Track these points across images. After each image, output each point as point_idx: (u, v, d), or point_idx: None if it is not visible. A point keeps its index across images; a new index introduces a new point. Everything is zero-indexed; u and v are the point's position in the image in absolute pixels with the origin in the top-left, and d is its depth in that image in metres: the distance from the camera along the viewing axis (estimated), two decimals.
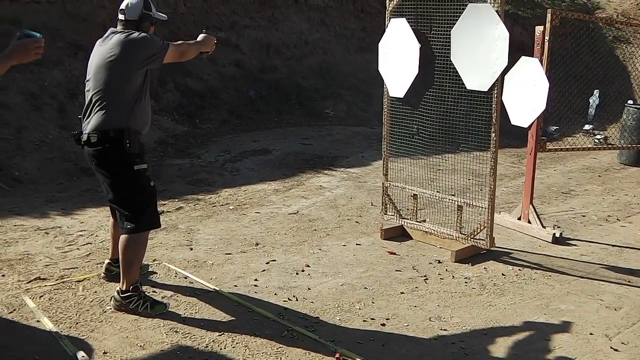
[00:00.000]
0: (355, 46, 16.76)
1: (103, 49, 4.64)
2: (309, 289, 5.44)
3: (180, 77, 12.59)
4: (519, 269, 6.06)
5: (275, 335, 4.55)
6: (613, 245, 6.99)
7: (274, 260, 6.07)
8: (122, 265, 4.76)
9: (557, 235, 6.93)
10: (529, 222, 7.18)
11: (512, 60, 6.08)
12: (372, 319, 4.90)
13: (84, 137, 4.65)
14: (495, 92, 5.93)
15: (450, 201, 6.67)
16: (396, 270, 5.95)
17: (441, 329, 4.77)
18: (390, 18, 6.77)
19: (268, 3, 15.38)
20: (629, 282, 5.91)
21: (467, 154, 6.68)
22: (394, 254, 6.41)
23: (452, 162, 6.99)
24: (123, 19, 4.76)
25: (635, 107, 12.37)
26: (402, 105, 6.80)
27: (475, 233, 6.31)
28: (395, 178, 7.11)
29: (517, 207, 7.53)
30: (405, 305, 5.17)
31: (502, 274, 5.92)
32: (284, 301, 5.15)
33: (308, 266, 5.98)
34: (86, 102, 4.70)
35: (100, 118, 4.57)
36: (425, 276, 5.83)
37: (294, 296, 5.25)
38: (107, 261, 5.41)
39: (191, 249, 6.25)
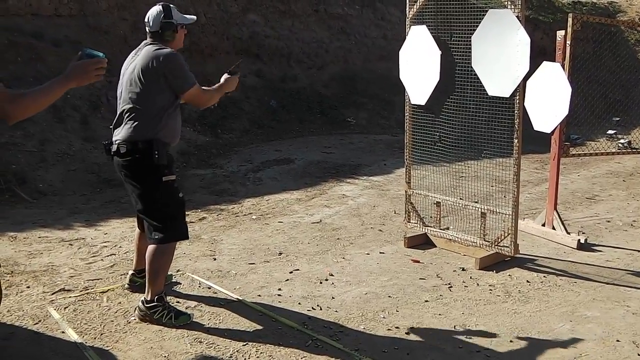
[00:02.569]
0: (376, 54, 16.76)
1: (134, 63, 4.71)
2: (333, 298, 5.43)
3: None
4: (544, 276, 6.01)
5: (299, 344, 4.54)
6: (639, 251, 6.91)
7: (298, 270, 6.07)
8: (148, 274, 4.78)
9: (582, 241, 6.87)
10: (553, 228, 7.12)
11: (534, 65, 6.05)
12: (397, 327, 4.88)
13: (114, 148, 4.69)
14: (517, 97, 5.90)
15: (474, 208, 6.64)
16: (420, 279, 5.92)
17: (466, 337, 4.74)
18: (410, 25, 6.75)
19: (288, 12, 15.44)
20: None
21: (490, 161, 6.64)
22: (418, 262, 6.38)
23: (475, 168, 6.95)
24: (148, 30, 4.84)
25: None
26: (423, 112, 6.78)
27: (500, 240, 6.27)
28: (418, 186, 7.09)
29: (541, 213, 7.47)
30: (430, 314, 5.15)
31: (527, 281, 5.87)
32: (307, 310, 5.14)
33: (332, 275, 5.96)
34: (117, 113, 4.77)
35: (130, 129, 4.62)
36: (449, 284, 5.80)
37: (317, 305, 5.24)
38: (131, 272, 5.43)
39: (215, 259, 6.26)
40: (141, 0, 11.88)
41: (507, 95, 5.94)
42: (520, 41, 5.75)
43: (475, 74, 6.15)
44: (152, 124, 4.61)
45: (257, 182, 9.58)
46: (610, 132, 14.76)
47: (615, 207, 8.87)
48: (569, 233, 7.04)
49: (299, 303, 5.29)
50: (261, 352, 4.41)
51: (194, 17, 5.08)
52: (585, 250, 6.80)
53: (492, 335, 4.77)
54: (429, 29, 6.52)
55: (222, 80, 5.14)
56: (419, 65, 6.63)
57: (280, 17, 15.29)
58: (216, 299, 5.32)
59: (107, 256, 6.33)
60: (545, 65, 6.42)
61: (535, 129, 6.57)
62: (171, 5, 4.89)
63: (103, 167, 9.42)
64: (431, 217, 7.05)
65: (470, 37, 6.13)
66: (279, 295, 5.45)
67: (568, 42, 6.85)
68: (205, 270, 5.98)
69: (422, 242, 6.88)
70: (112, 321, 4.85)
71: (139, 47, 4.83)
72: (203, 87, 4.91)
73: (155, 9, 4.82)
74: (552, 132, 6.83)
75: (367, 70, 16.27)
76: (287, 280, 5.81)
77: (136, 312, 4.87)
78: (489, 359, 4.43)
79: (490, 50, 6.00)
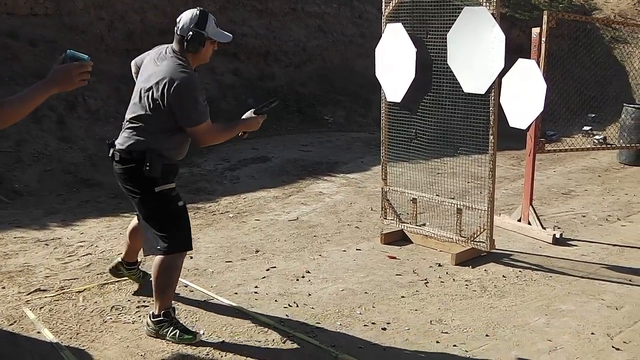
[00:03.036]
0: (354, 52, 16.76)
1: (153, 72, 4.35)
2: (310, 295, 5.44)
3: None
4: (520, 271, 6.06)
5: (276, 341, 4.55)
6: (614, 245, 6.98)
7: (274, 267, 6.07)
8: (155, 289, 4.56)
9: (558, 236, 6.93)
10: (529, 223, 7.18)
11: (510, 62, 6.09)
12: (373, 323, 4.90)
13: (111, 152, 4.47)
14: (493, 94, 5.94)
15: (450, 204, 6.67)
16: (396, 275, 5.95)
17: (442, 332, 4.77)
18: (386, 23, 6.77)
19: (265, 11, 15.41)
20: (630, 281, 5.91)
21: (466, 157, 6.68)
22: (394, 258, 6.41)
23: (451, 165, 7.00)
24: (176, 32, 4.40)
25: (634, 107, 12.38)
26: (399, 110, 6.80)
27: (475, 236, 6.31)
28: (394, 183, 7.12)
29: (517, 208, 7.52)
30: (406, 309, 5.17)
31: (503, 276, 5.91)
32: (284, 308, 5.15)
33: (308, 272, 5.97)
34: (127, 111, 4.49)
35: (128, 138, 4.37)
36: (425, 280, 5.83)
37: (294, 302, 5.25)
38: (118, 259, 5.36)
39: (191, 258, 6.24)
40: None
41: (483, 92, 5.97)
42: (496, 38, 5.79)
43: (451, 71, 6.18)
44: (151, 138, 4.32)
45: (234, 181, 9.56)
46: (586, 128, 14.87)
47: (590, 202, 8.95)
48: (544, 228, 7.09)
49: (276, 300, 5.29)
50: (238, 350, 4.41)
51: (230, 35, 4.60)
52: (561, 245, 6.87)
53: (468, 330, 4.81)
54: (405, 27, 6.54)
55: (245, 116, 4.64)
56: (394, 62, 6.65)
57: (258, 16, 15.26)
58: (192, 297, 5.31)
59: (83, 256, 6.29)
60: (521, 62, 6.46)
61: (510, 125, 6.61)
62: (210, 14, 4.44)
63: (79, 167, 9.38)
64: (408, 213, 7.08)
65: (446, 35, 6.16)
66: (255, 292, 5.45)
67: (543, 39, 6.90)
68: (182, 269, 5.96)
69: (398, 239, 6.90)
70: (88, 321, 4.82)
71: (165, 51, 4.44)
72: (216, 125, 4.49)
73: (190, 13, 4.37)
74: (528, 128, 6.87)
75: (345, 68, 16.28)
76: (264, 277, 5.81)
77: (145, 328, 4.63)
78: (465, 353, 4.46)
79: (465, 47, 6.03)
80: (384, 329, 4.81)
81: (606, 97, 16.63)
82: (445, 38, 6.17)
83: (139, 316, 4.91)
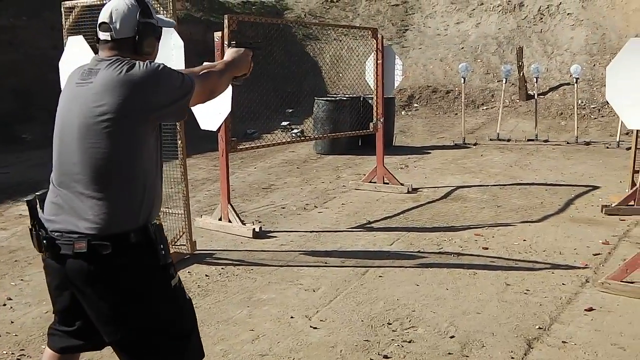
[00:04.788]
0: (49, 66, 16.15)
1: (85, 95, 2.86)
2: (12, 322, 5.22)
3: None
4: (222, 268, 6.24)
5: None
6: (311, 232, 7.44)
7: None
8: None
9: (257, 229, 7.22)
10: (230, 221, 7.41)
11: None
12: None
13: (74, 247, 2.78)
14: None
15: None
16: None
17: None
18: (68, 36, 6.67)
19: None
20: (326, 263, 6.34)
21: (166, 163, 6.74)
22: None
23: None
24: (109, 38, 2.97)
25: (324, 100, 13.23)
26: None
27: (176, 239, 6.42)
28: None
29: (217, 208, 7.73)
30: None
31: (206, 275, 6.06)
32: None
33: (10, 299, 5.72)
34: (60, 180, 2.94)
35: (104, 212, 2.79)
36: None
37: None
38: None
39: None
40: None
41: None
42: (175, 45, 5.93)
43: None
44: (138, 196, 2.88)
45: None
46: (284, 123, 15.58)
47: (290, 194, 9.44)
48: (244, 224, 7.36)
49: None
50: None
51: (173, 21, 3.61)
52: (261, 238, 7.17)
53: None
54: (86, 39, 6.48)
55: (226, 56, 3.52)
56: None
57: None
58: None
59: None
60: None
61: (202, 128, 6.81)
62: None
63: None
64: None
65: None
66: None
67: (226, 42, 7.14)
68: None
69: None
70: None
71: (88, 68, 2.96)
72: (199, 73, 3.22)
73: (121, 3, 3.00)
74: (219, 129, 7.11)
75: (41, 82, 15.66)
76: None
77: None
78: None
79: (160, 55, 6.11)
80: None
81: (302, 92, 17.56)
82: None
83: None
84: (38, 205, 2.96)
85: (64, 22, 6.75)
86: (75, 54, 6.56)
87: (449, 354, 4.45)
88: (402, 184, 9.53)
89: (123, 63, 2.85)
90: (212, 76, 3.25)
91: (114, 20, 2.95)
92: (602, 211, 8.12)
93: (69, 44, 6.64)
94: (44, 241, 2.83)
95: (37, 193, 3.01)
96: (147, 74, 2.84)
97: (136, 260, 2.82)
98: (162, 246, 2.88)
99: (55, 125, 3.02)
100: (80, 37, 6.51)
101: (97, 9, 6.41)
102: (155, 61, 3.02)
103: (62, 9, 6.78)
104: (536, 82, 15.97)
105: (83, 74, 2.93)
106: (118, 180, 2.81)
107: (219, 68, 3.35)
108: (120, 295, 2.81)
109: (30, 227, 2.91)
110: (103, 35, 2.98)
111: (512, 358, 4.39)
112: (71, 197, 2.84)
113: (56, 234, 2.81)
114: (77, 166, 2.84)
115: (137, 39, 2.99)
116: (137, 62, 2.88)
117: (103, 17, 2.98)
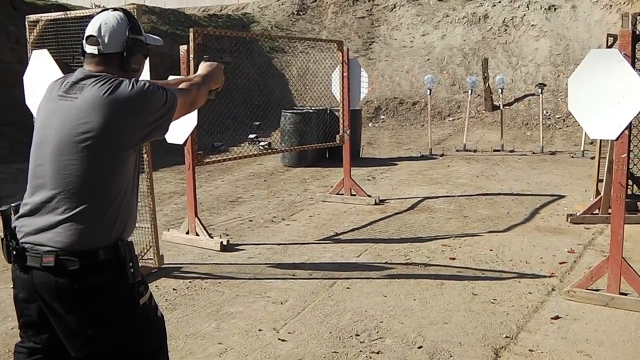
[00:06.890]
0: (13, 79, 16.02)
1: (69, 110, 2.81)
2: None
3: None
4: (190, 282, 6.21)
5: None
6: (279, 244, 7.42)
7: None
8: None
9: (225, 243, 7.20)
10: (197, 234, 7.37)
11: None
12: None
13: (42, 260, 2.73)
14: None
15: None
16: None
17: None
18: (32, 50, 6.62)
19: None
20: (294, 275, 6.34)
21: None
22: None
23: None
24: (96, 52, 2.92)
25: (291, 112, 13.24)
26: None
27: (143, 253, 6.38)
28: None
29: (184, 221, 7.70)
30: None
31: (174, 289, 6.02)
32: None
33: None
34: (34, 193, 2.87)
35: (75, 229, 2.75)
36: None
37: None
38: None
39: None
40: None
41: None
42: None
43: None
44: (112, 214, 2.83)
45: None
46: (251, 135, 15.55)
47: (257, 206, 9.42)
48: (212, 237, 7.33)
49: None
50: None
51: (160, 39, 3.35)
52: (229, 251, 7.14)
53: None
54: (50, 52, 6.44)
55: (200, 69, 3.52)
56: (43, 88, 6.50)
57: None
58: None
59: None
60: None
61: (168, 141, 6.78)
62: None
63: None
64: None
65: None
66: None
67: (191, 55, 7.14)
68: None
69: None
70: None
71: (71, 81, 2.90)
72: (178, 87, 3.23)
73: (111, 17, 2.97)
74: (185, 142, 7.09)
75: (5, 97, 15.52)
76: None
77: None
78: None
79: None
80: None
81: (269, 105, 17.59)
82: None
83: None
84: (13, 216, 2.92)
85: (28, 36, 6.69)
86: (39, 66, 6.53)
87: None
88: (369, 196, 9.56)
89: (110, 81, 2.81)
90: (192, 89, 3.23)
91: (102, 34, 2.91)
92: (567, 220, 8.23)
93: (33, 57, 6.59)
94: (14, 252, 2.81)
95: (12, 204, 2.96)
96: (134, 94, 2.80)
97: (104, 277, 2.77)
98: (131, 264, 2.82)
99: (34, 136, 2.95)
100: (45, 51, 6.47)
101: (61, 22, 6.44)
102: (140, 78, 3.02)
103: (27, 23, 6.73)
104: (501, 93, 16.11)
105: (66, 86, 2.87)
106: (92, 198, 2.77)
107: (197, 81, 3.32)
108: (87, 313, 2.77)
109: (2, 237, 2.87)
110: (90, 49, 2.93)
111: None
112: (43, 210, 2.80)
113: (27, 245, 2.77)
114: (51, 180, 2.80)
115: (124, 54, 2.93)
116: (124, 80, 2.83)
117: (91, 29, 2.93)
